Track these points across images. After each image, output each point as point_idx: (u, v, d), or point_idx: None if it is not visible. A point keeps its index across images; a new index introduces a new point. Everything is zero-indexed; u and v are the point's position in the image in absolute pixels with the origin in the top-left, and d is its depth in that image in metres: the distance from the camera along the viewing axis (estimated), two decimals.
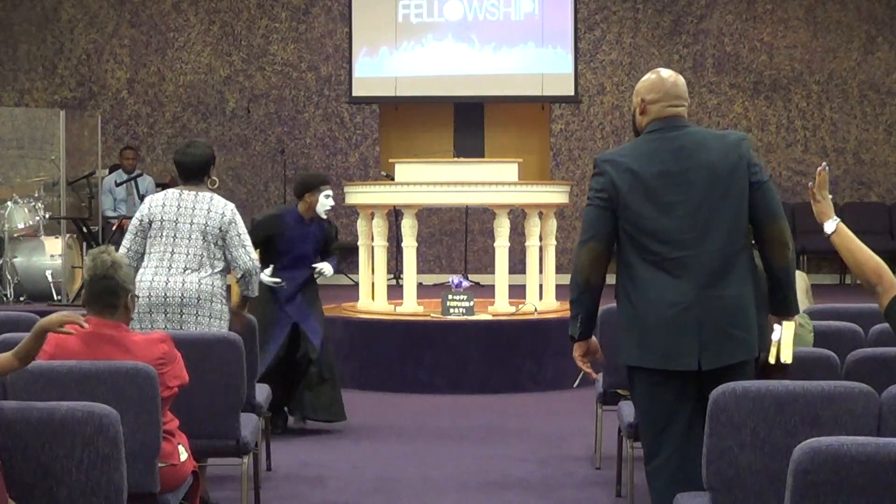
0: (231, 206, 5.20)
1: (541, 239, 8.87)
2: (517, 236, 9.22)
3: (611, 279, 3.74)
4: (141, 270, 5.08)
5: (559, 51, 13.19)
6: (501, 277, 8.55)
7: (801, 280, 5.49)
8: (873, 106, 13.16)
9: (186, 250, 5.05)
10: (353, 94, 13.26)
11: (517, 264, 9.82)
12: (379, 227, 8.59)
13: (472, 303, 8.30)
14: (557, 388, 7.85)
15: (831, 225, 3.62)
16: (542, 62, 13.16)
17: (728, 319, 3.62)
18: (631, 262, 3.72)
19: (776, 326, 3.71)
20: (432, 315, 8.38)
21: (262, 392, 5.48)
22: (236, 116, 13.29)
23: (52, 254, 10.08)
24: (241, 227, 5.17)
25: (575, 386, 4.47)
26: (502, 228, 8.49)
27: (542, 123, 13.45)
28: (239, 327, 5.26)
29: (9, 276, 9.91)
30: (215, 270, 5.10)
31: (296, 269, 6.68)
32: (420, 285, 9.17)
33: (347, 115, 13.31)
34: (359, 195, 8.74)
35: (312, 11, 13.27)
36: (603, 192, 3.72)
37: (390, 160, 9.57)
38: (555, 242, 9.03)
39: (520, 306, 8.59)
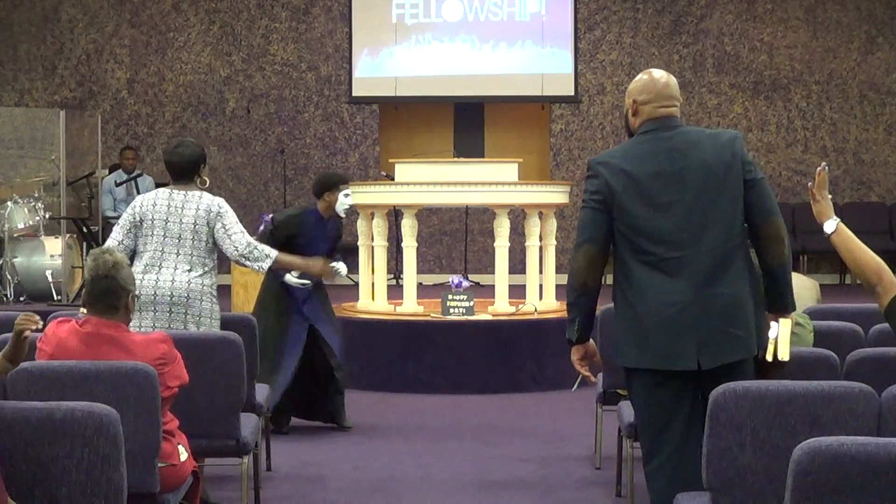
0: (219, 201, 5.14)
1: (541, 239, 8.87)
2: (517, 236, 9.22)
3: (610, 280, 3.75)
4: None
5: (559, 51, 13.19)
6: (501, 277, 8.55)
7: (814, 290, 5.50)
8: (873, 106, 13.17)
9: (176, 250, 5.03)
10: (353, 94, 13.27)
11: (517, 264, 9.82)
12: (379, 227, 8.59)
13: (472, 303, 8.30)
14: (557, 388, 7.85)
15: (831, 225, 3.62)
16: (542, 62, 13.16)
17: (726, 318, 3.62)
18: (627, 264, 3.72)
19: (773, 324, 3.71)
20: (432, 315, 8.38)
21: (262, 392, 5.48)
22: (236, 116, 13.29)
23: (52, 254, 10.08)
24: (229, 218, 5.09)
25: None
26: (502, 228, 8.49)
27: (542, 123, 13.45)
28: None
29: (9, 276, 9.91)
30: (205, 270, 5.06)
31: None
32: (420, 285, 9.17)
33: (347, 115, 13.31)
34: (359, 195, 8.71)
35: (312, 11, 13.27)
36: (597, 195, 3.72)
37: (390, 160, 9.57)
38: (555, 242, 9.03)
39: (520, 306, 8.59)
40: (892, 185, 13.23)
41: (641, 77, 3.86)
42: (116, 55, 13.26)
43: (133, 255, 5.09)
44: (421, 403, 7.73)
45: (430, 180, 8.45)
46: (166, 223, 5.05)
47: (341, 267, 6.82)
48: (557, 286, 8.62)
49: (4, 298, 9.85)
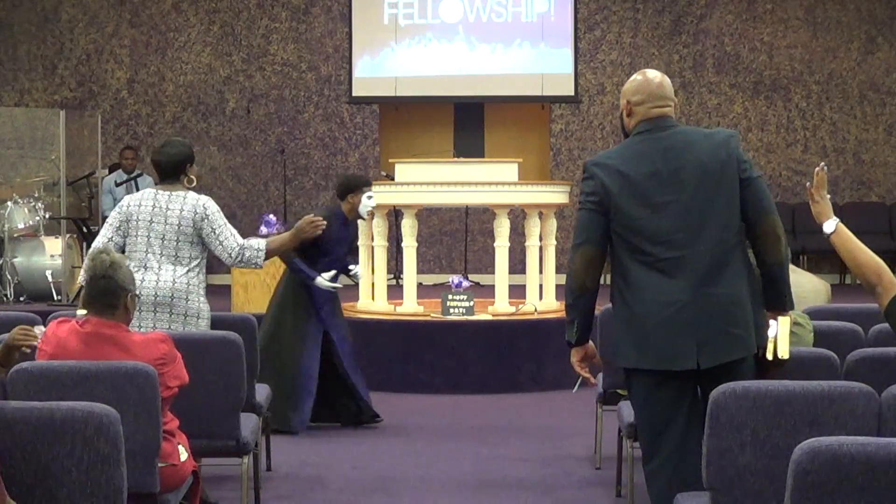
0: (205, 199, 5.10)
1: (541, 239, 8.88)
2: (517, 236, 9.22)
3: (608, 280, 3.75)
4: None
5: (559, 51, 13.19)
6: (501, 277, 8.55)
7: (826, 292, 5.50)
8: (873, 106, 13.16)
9: (161, 250, 5.01)
10: (353, 94, 13.26)
11: (517, 264, 9.82)
12: (379, 227, 8.59)
13: (472, 303, 8.30)
14: (557, 388, 7.85)
15: (830, 225, 3.63)
16: (542, 62, 13.16)
17: (724, 317, 3.62)
18: (625, 264, 3.72)
19: (772, 322, 3.71)
20: (432, 315, 8.38)
21: (262, 392, 5.48)
22: (236, 116, 13.28)
23: (52, 254, 10.08)
24: (215, 220, 5.03)
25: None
26: (502, 228, 8.50)
27: (542, 123, 13.45)
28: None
29: (9, 276, 9.91)
30: (191, 267, 5.02)
31: (327, 270, 6.71)
32: (420, 285, 9.17)
33: (347, 115, 13.31)
34: None
35: (312, 11, 13.27)
36: (594, 196, 3.73)
37: (390, 160, 9.57)
38: (555, 242, 9.04)
39: (520, 306, 8.59)
40: (892, 185, 13.23)
41: (635, 78, 3.87)
42: (116, 55, 13.26)
43: (122, 253, 5.08)
44: (421, 403, 7.73)
45: (430, 180, 8.45)
46: (151, 223, 5.03)
47: (361, 270, 6.92)
48: (557, 286, 8.62)
49: (4, 298, 9.85)
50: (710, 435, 3.26)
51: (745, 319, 3.65)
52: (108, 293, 3.85)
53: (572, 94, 13.20)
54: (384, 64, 13.24)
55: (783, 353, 3.67)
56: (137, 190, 10.90)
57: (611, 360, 3.95)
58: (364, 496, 5.38)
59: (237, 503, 4.90)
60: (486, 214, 11.86)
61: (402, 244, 8.66)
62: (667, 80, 3.86)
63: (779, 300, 3.74)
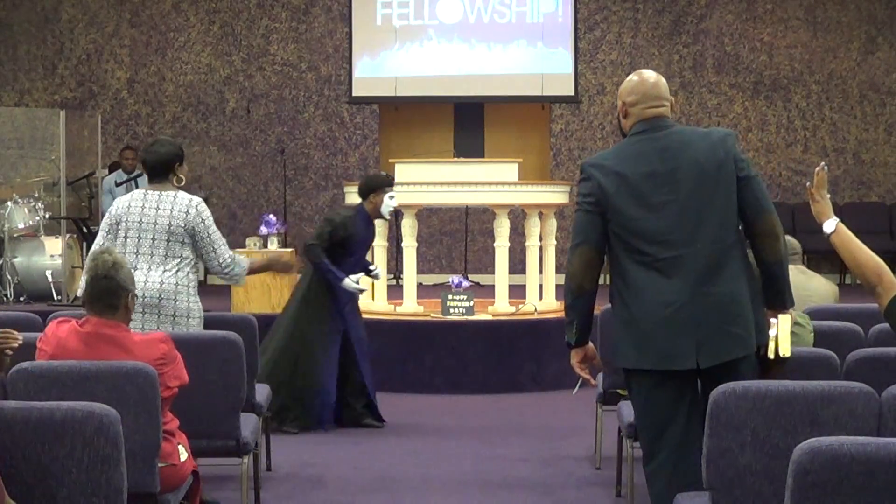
0: (196, 201, 5.08)
1: (541, 239, 8.88)
2: (517, 236, 9.22)
3: (607, 280, 3.75)
4: None
5: (559, 51, 13.19)
6: (501, 277, 8.55)
7: (833, 296, 5.50)
8: (873, 106, 13.16)
9: (150, 251, 4.99)
10: (353, 94, 13.26)
11: (517, 264, 9.82)
12: (379, 227, 8.58)
13: (472, 303, 8.30)
14: (557, 388, 7.85)
15: (830, 224, 3.62)
16: (542, 62, 13.16)
17: (723, 316, 3.62)
18: (623, 265, 3.72)
19: (772, 320, 3.71)
20: (432, 315, 8.38)
21: (262, 392, 5.48)
22: (236, 116, 13.28)
23: (52, 254, 10.08)
24: (210, 226, 5.04)
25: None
26: (502, 228, 8.50)
27: (542, 123, 13.45)
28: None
29: (9, 276, 9.91)
30: (180, 267, 5.00)
31: (352, 271, 6.73)
32: (420, 285, 9.17)
33: (347, 115, 13.31)
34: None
35: (312, 11, 13.26)
36: (590, 197, 3.73)
37: (390, 160, 9.57)
38: (555, 242, 9.03)
39: (520, 306, 8.59)
40: (892, 185, 13.23)
41: (631, 78, 3.88)
42: (116, 55, 13.26)
43: None
44: (421, 403, 7.73)
45: (430, 180, 8.45)
46: (140, 224, 5.02)
47: (381, 271, 6.96)
48: (557, 286, 8.61)
49: (4, 298, 9.85)
50: (710, 435, 3.26)
51: (745, 318, 3.65)
52: (110, 293, 3.85)
53: (572, 94, 13.20)
54: (384, 64, 13.23)
55: (784, 351, 3.67)
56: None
57: (610, 361, 3.95)
58: (364, 496, 5.38)
59: (237, 503, 4.89)
60: (486, 214, 11.86)
61: (402, 244, 8.66)
62: (662, 80, 3.86)
63: (779, 298, 3.74)
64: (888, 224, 12.93)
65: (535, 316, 8.43)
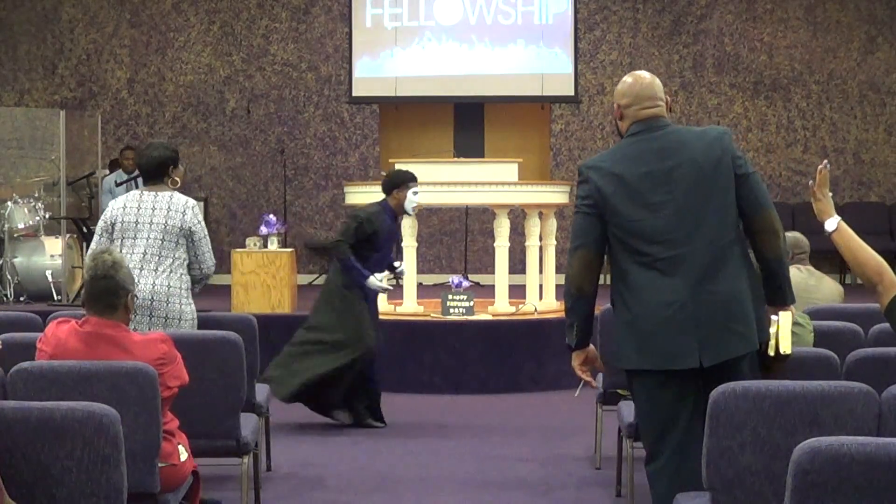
0: (191, 203, 5.11)
1: (541, 239, 8.88)
2: (517, 236, 9.21)
3: (607, 281, 3.75)
4: None
5: (559, 51, 13.19)
6: (501, 277, 8.55)
7: (839, 296, 5.51)
8: (873, 106, 13.16)
9: (143, 252, 5.00)
10: (353, 94, 13.26)
11: (517, 264, 9.82)
12: None
13: (472, 303, 8.31)
14: (557, 388, 7.85)
15: (832, 223, 3.62)
16: (542, 62, 13.15)
17: (725, 314, 3.62)
18: (623, 266, 3.72)
19: (773, 318, 3.70)
20: (432, 315, 8.38)
21: (262, 392, 5.48)
22: (236, 116, 13.28)
23: (52, 254, 10.08)
24: (204, 229, 5.13)
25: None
26: (502, 228, 8.50)
27: (542, 123, 13.45)
28: None
29: (9, 276, 9.91)
30: (174, 269, 5.02)
31: (378, 268, 6.75)
32: (420, 285, 9.17)
33: (347, 115, 13.31)
34: (359, 195, 8.73)
35: (312, 11, 13.26)
36: (589, 199, 3.74)
37: (390, 160, 9.57)
38: (555, 242, 9.03)
39: (520, 306, 8.59)
40: (892, 185, 13.23)
41: (625, 80, 3.88)
42: (116, 55, 13.26)
43: None
44: (421, 403, 7.73)
45: (430, 180, 8.45)
46: (136, 225, 5.03)
47: (404, 267, 6.99)
48: (557, 286, 8.62)
49: (4, 298, 9.85)
50: (710, 435, 3.25)
51: (746, 316, 3.65)
52: (110, 293, 3.85)
53: (572, 94, 13.20)
54: (384, 64, 13.23)
55: (785, 348, 3.67)
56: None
57: (611, 361, 3.95)
58: (364, 496, 5.38)
59: (237, 503, 4.89)
60: (486, 214, 11.86)
61: (402, 244, 8.66)
62: (656, 80, 3.87)
63: (779, 295, 3.74)
64: (888, 224, 12.93)
65: (535, 316, 8.43)
